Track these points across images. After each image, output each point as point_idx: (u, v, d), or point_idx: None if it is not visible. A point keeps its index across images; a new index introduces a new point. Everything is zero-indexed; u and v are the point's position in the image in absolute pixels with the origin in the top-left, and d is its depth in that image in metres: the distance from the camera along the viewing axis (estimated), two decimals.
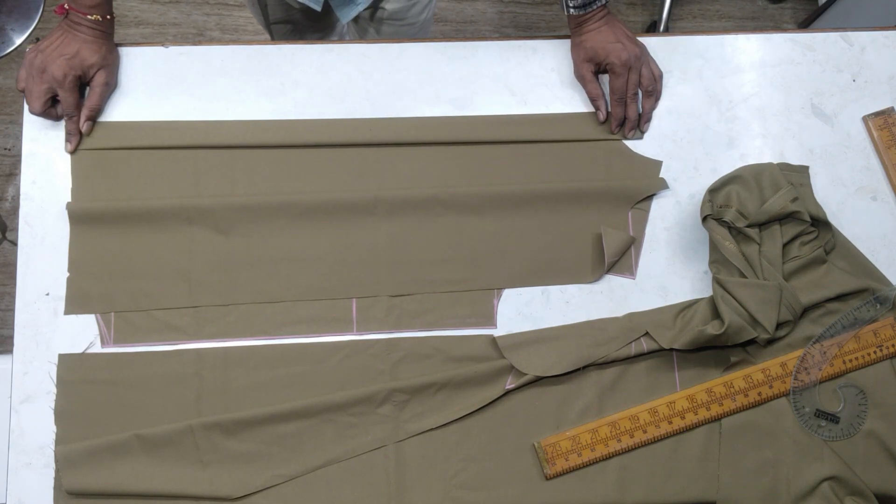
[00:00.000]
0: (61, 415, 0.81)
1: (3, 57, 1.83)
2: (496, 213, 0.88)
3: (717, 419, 0.84)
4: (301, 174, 0.87)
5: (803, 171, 0.91)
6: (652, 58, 0.91)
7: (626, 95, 0.89)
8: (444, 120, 0.90)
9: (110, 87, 0.87)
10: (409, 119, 0.90)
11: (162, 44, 0.91)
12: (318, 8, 1.03)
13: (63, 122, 0.86)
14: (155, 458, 0.79)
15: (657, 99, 0.92)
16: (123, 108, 0.88)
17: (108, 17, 0.84)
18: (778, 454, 0.83)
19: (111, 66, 0.87)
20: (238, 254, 0.85)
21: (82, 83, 0.85)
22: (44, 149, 0.87)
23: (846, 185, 0.92)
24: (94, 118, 0.86)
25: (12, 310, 0.84)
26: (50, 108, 0.85)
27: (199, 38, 1.88)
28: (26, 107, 0.87)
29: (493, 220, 0.87)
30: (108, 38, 0.86)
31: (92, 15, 0.82)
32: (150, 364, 0.82)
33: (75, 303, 0.83)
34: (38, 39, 1.83)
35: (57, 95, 0.84)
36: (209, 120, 0.88)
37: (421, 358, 0.84)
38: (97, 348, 0.83)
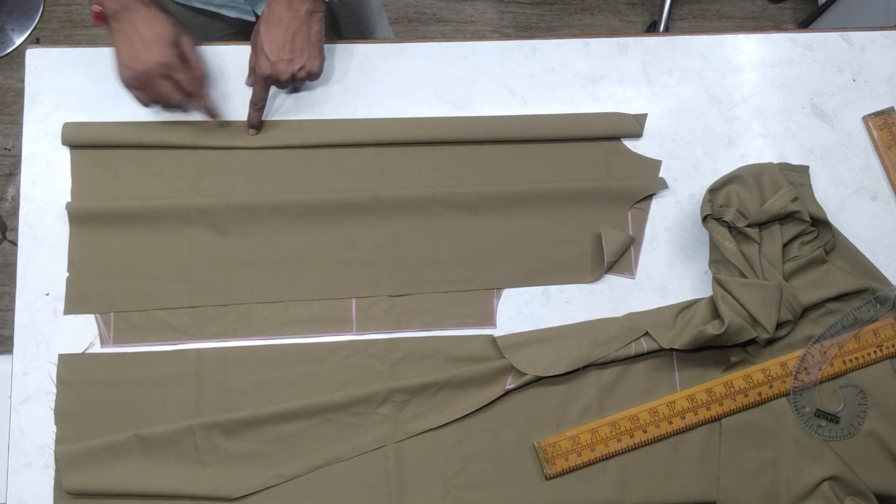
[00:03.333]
0: (61, 415, 0.81)
1: (3, 57, 1.83)
2: (496, 213, 0.87)
3: (717, 419, 0.83)
4: (301, 174, 0.87)
5: (803, 171, 0.91)
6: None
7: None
8: (444, 120, 0.90)
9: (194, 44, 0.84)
10: (409, 119, 0.90)
11: None
12: (252, 18, 0.98)
13: (61, 123, 0.86)
14: (155, 458, 0.79)
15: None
16: (124, 108, 0.88)
17: None
18: (778, 454, 0.83)
19: (181, 28, 0.81)
20: (237, 254, 0.85)
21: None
22: (44, 149, 0.87)
23: (846, 185, 0.92)
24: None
25: (12, 310, 0.84)
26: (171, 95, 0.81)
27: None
28: (26, 107, 0.87)
29: (493, 220, 0.87)
30: (151, 5, 0.79)
31: None
32: (149, 364, 0.82)
33: (75, 303, 0.83)
34: (38, 40, 1.83)
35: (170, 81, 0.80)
36: (209, 120, 0.88)
37: (421, 358, 0.84)
38: (97, 348, 0.83)
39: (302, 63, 0.82)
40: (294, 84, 0.86)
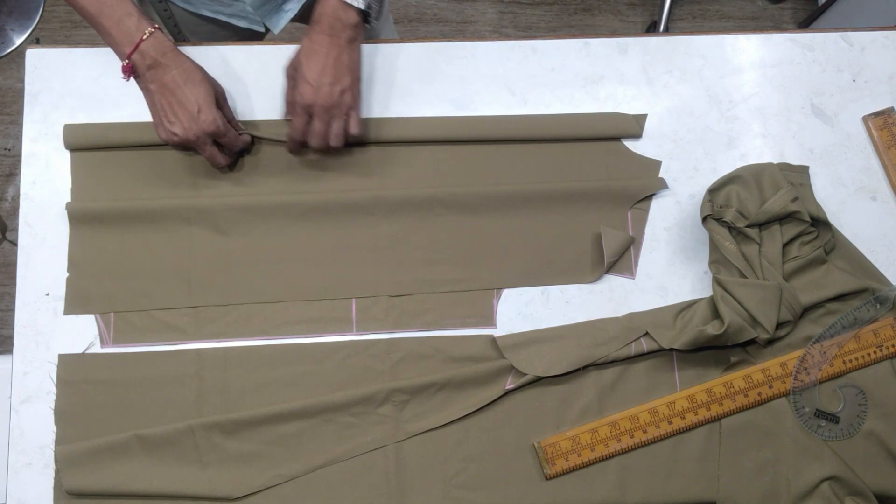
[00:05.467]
0: (61, 415, 0.81)
1: (3, 57, 1.83)
2: (496, 213, 0.87)
3: (717, 419, 0.84)
4: (301, 174, 0.87)
5: (803, 171, 0.91)
6: (356, 115, 0.82)
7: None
8: (445, 119, 0.90)
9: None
10: (410, 119, 0.89)
11: None
12: (262, 29, 0.98)
13: (61, 123, 0.86)
14: (155, 459, 0.79)
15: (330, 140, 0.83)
16: (124, 109, 0.88)
17: (156, 26, 0.76)
18: (778, 454, 0.83)
19: (210, 77, 0.81)
20: (238, 254, 0.85)
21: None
22: (44, 149, 0.87)
23: (846, 185, 0.92)
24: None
25: (12, 310, 0.84)
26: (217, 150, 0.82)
27: None
28: (26, 107, 0.87)
29: (493, 220, 0.87)
30: (182, 54, 0.78)
31: (145, 34, 0.75)
32: (149, 364, 0.82)
33: (75, 303, 0.83)
34: (38, 40, 1.84)
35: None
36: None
37: (421, 358, 0.84)
38: (97, 348, 0.83)
39: (344, 86, 0.79)
40: (331, 115, 0.81)
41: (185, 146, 0.80)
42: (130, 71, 0.77)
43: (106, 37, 0.77)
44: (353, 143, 0.88)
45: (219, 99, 0.82)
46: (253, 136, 0.87)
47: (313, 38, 0.79)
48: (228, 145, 0.82)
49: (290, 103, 0.81)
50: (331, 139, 0.81)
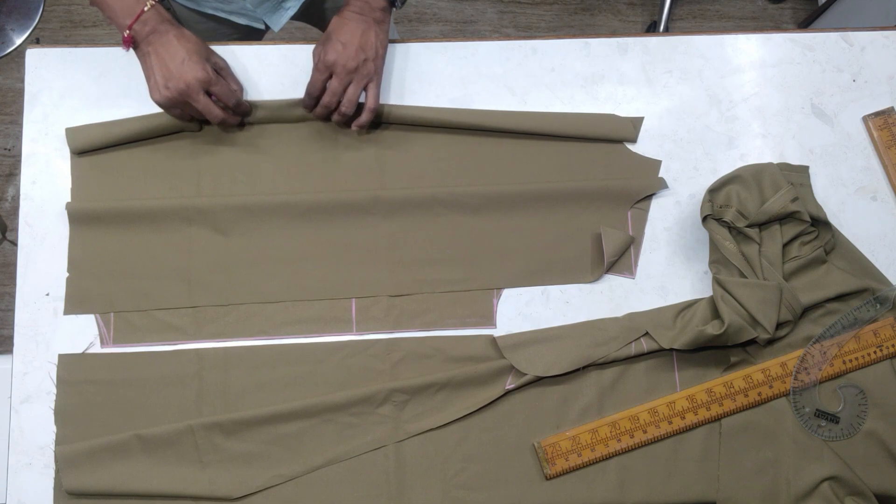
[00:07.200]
0: (61, 415, 0.81)
1: (3, 57, 1.83)
2: (496, 213, 0.87)
3: (717, 419, 0.84)
4: (301, 174, 0.87)
5: (803, 171, 0.91)
6: (375, 87, 0.84)
7: (316, 91, 0.84)
8: (441, 109, 0.89)
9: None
10: (410, 106, 0.89)
11: None
12: (262, 27, 0.98)
13: (61, 123, 0.86)
14: (155, 459, 0.79)
15: (351, 125, 0.85)
16: (124, 109, 0.88)
17: (155, 1, 0.79)
18: (778, 454, 0.83)
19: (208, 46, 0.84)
20: (238, 254, 0.85)
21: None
22: (44, 149, 0.87)
23: (846, 185, 0.92)
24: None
25: (12, 310, 0.84)
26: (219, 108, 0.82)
27: None
28: (26, 107, 0.87)
29: (493, 220, 0.87)
30: (179, 25, 0.81)
31: (146, 7, 0.77)
32: (149, 364, 0.82)
33: (75, 303, 0.83)
34: (38, 40, 1.84)
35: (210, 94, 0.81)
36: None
37: (421, 358, 0.84)
38: (97, 348, 0.83)
39: (368, 55, 0.82)
40: (350, 78, 0.82)
41: (180, 103, 0.80)
42: (131, 41, 0.79)
43: (107, 10, 0.78)
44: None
45: (217, 61, 0.83)
46: (256, 123, 0.87)
47: (344, 14, 0.83)
48: (221, 96, 0.81)
49: (316, 64, 0.82)
50: (343, 102, 0.83)
